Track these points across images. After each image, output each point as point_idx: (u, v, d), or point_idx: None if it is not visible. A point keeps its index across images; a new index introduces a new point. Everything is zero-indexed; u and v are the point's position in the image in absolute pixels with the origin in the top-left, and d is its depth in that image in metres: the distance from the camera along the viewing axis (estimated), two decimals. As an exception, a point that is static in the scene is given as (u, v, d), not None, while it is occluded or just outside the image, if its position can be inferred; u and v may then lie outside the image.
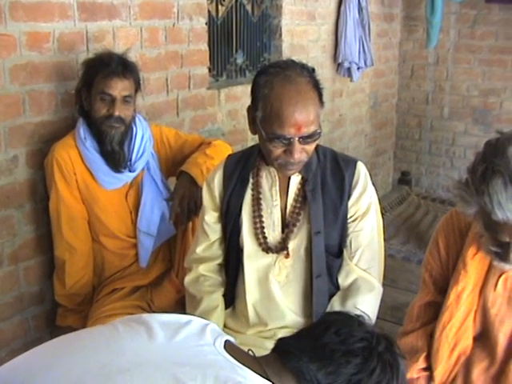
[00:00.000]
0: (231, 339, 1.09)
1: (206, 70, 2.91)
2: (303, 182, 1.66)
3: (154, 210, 2.18)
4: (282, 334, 1.59)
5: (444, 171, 4.88)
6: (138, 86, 2.10)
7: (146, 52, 2.55)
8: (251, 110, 1.57)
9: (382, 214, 1.76)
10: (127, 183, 2.17)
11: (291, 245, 1.66)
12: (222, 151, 2.19)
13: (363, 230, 1.66)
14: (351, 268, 1.67)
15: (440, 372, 1.55)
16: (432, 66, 4.73)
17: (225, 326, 1.77)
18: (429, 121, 4.85)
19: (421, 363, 1.58)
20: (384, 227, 1.76)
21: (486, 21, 4.43)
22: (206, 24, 2.85)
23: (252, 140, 2.97)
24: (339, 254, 1.68)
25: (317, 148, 1.64)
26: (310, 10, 3.63)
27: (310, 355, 1.01)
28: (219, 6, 3.04)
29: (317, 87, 1.53)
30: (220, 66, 3.12)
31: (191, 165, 2.14)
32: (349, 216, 1.66)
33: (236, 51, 3.22)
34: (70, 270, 2.13)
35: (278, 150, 1.53)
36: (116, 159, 2.07)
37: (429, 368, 1.58)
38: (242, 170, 1.71)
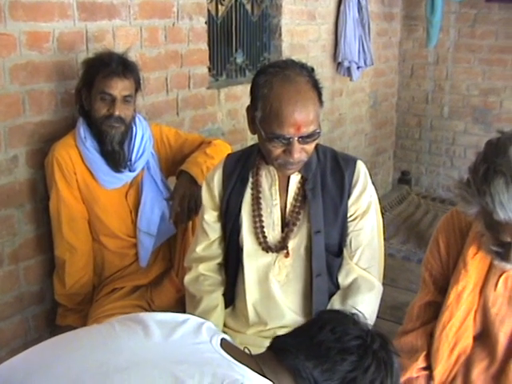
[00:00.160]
0: (227, 337, 1.10)
1: (206, 70, 2.91)
2: (303, 181, 1.66)
3: (154, 210, 2.18)
4: (281, 333, 1.58)
5: (444, 171, 4.88)
6: (138, 86, 2.10)
7: (145, 51, 2.55)
8: (250, 109, 1.57)
9: (382, 214, 1.76)
10: (127, 183, 2.17)
11: (291, 244, 1.66)
12: (221, 150, 2.19)
13: (363, 229, 1.66)
14: (351, 267, 1.67)
15: (440, 371, 1.55)
16: (432, 65, 4.73)
17: (225, 325, 1.77)
18: (429, 120, 4.85)
19: (420, 362, 1.58)
20: (384, 226, 1.76)
21: (485, 20, 4.43)
22: (205, 23, 2.85)
23: (252, 139, 2.97)
24: (339, 253, 1.68)
25: (317, 147, 1.64)
26: (310, 10, 3.63)
27: (306, 353, 1.03)
28: (219, 6, 3.04)
29: (316, 87, 1.53)
30: (220, 66, 3.12)
31: (191, 164, 2.14)
32: (349, 215, 1.66)
33: (236, 51, 3.22)
34: (70, 269, 2.13)
35: (277, 150, 1.52)
36: (116, 159, 2.07)
37: (428, 367, 1.58)
38: (241, 169, 1.71)
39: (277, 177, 1.66)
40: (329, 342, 1.03)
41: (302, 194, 1.65)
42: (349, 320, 1.09)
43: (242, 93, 3.10)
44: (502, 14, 4.34)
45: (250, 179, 1.69)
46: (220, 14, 3.06)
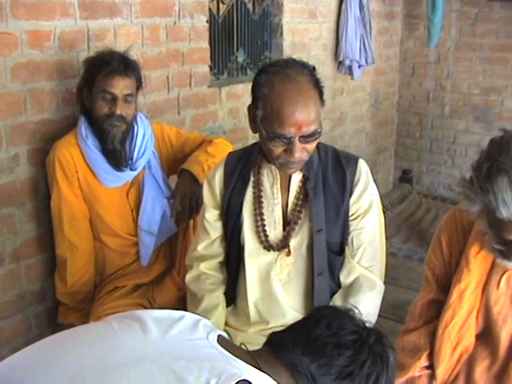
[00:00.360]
0: (224, 334, 1.11)
1: (207, 68, 2.91)
2: (304, 180, 1.65)
3: (155, 209, 2.18)
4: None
5: (445, 169, 4.88)
6: (139, 85, 2.10)
7: (147, 50, 2.54)
8: (252, 109, 1.57)
9: (383, 212, 1.76)
10: (128, 181, 2.17)
11: (292, 243, 1.66)
12: (223, 149, 2.19)
13: (365, 227, 1.66)
14: (353, 266, 1.67)
15: (442, 370, 1.55)
16: (433, 64, 4.73)
17: (226, 324, 1.77)
18: (430, 119, 4.84)
19: (423, 361, 1.58)
20: (385, 225, 1.76)
21: (487, 19, 4.42)
22: (207, 22, 2.85)
23: (253, 138, 2.97)
24: (341, 252, 1.68)
25: (318, 146, 1.63)
26: (311, 8, 3.63)
27: (302, 348, 1.03)
28: (220, 4, 3.04)
29: (317, 86, 1.53)
30: (221, 64, 3.12)
31: (192, 163, 2.14)
32: (350, 214, 1.66)
33: (237, 49, 3.22)
34: (71, 268, 2.13)
35: (278, 149, 1.52)
36: (117, 158, 2.07)
37: (431, 366, 1.58)
38: (242, 167, 1.71)
39: (278, 175, 1.66)
40: (325, 337, 1.04)
41: (304, 193, 1.65)
42: (345, 315, 1.10)
43: (243, 91, 3.10)
44: (503, 13, 4.34)
45: (252, 178, 1.69)
46: (221, 12, 3.06)
